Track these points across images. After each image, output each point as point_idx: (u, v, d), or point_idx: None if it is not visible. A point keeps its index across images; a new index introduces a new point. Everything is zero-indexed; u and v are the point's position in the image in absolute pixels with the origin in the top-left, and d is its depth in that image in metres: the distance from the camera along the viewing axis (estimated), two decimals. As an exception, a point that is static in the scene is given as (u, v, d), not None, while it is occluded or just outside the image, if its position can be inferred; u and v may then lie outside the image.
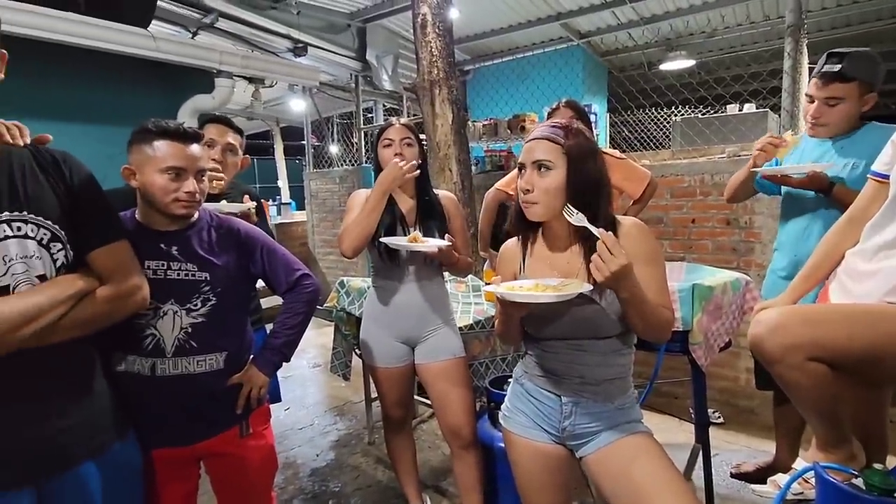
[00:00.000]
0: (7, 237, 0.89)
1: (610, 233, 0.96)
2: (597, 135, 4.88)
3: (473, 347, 2.02)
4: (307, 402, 3.18)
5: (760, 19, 5.19)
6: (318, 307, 1.87)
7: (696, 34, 5.62)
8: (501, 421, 1.30)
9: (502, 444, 1.71)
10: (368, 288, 2.16)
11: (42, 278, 0.93)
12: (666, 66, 5.73)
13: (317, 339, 4.35)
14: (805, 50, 2.62)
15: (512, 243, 1.25)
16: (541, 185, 1.07)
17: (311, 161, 6.68)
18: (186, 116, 2.77)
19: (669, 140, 5.38)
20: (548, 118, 2.13)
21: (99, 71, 2.54)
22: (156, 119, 1.18)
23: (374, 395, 2.65)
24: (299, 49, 5.32)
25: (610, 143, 6.43)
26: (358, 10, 5.51)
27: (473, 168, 4.46)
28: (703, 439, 1.83)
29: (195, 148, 1.20)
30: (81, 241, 0.99)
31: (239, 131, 1.80)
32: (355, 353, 2.46)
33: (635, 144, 6.20)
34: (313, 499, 2.14)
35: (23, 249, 0.91)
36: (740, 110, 3.85)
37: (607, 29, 5.72)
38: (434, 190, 1.74)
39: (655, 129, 6.18)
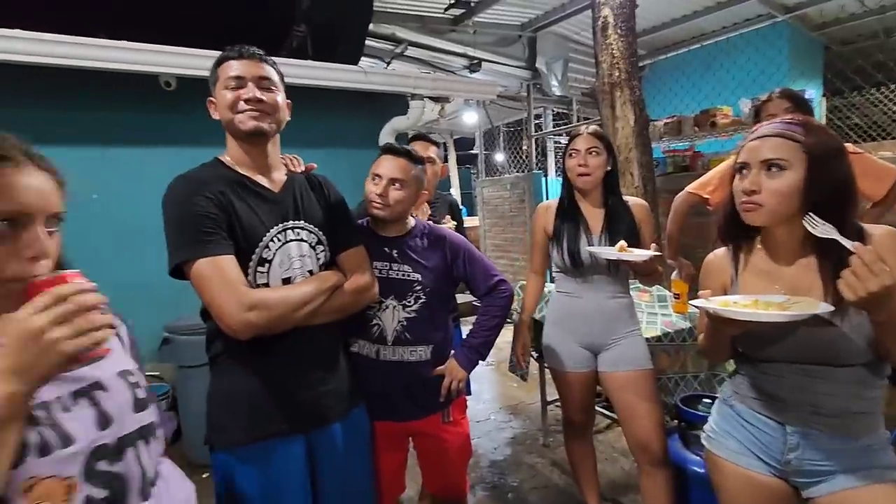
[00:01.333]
0: (291, 240, 1.17)
1: (869, 246, 0.82)
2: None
3: (661, 361, 1.92)
4: (483, 397, 3.36)
5: None
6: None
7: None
8: (705, 442, 1.21)
9: (696, 468, 1.62)
10: (550, 293, 2.22)
11: (310, 273, 1.20)
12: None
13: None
14: None
15: (720, 254, 1.16)
16: (771, 186, 0.96)
17: (481, 169, 7.01)
18: (386, 136, 3.19)
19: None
20: (755, 113, 1.91)
21: (317, 103, 3.08)
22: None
23: (549, 398, 2.70)
24: (474, 65, 5.65)
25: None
26: (529, 20, 5.63)
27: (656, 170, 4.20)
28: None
29: (393, 160, 1.40)
30: (334, 245, 1.25)
31: (437, 144, 2.04)
32: (532, 356, 2.53)
33: (866, 133, 5.09)
34: (493, 489, 2.27)
35: (300, 250, 1.18)
36: None
37: (818, -2, 4.83)
38: (624, 197, 1.72)
39: (894, 113, 5.01)
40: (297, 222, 1.19)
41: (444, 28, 5.32)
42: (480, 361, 1.51)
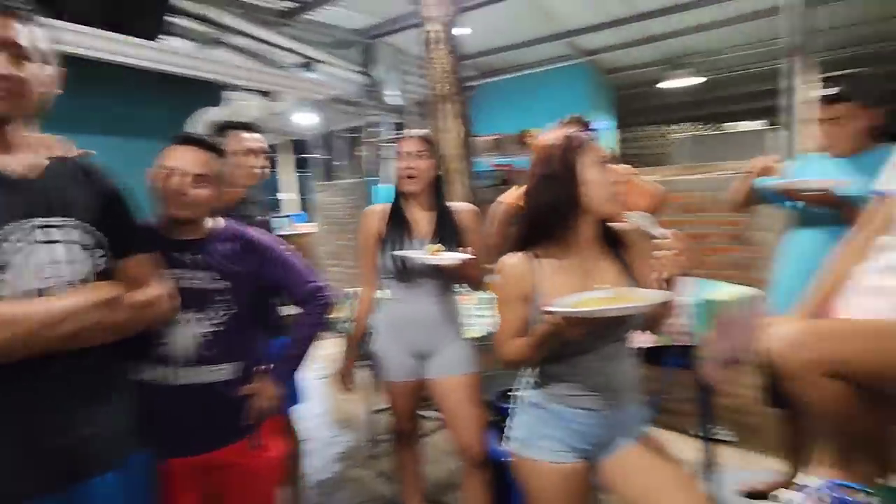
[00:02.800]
0: (43, 241, 0.90)
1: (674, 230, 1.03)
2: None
3: (484, 360, 2.01)
4: (313, 412, 3.16)
5: (761, 39, 5.25)
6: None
7: (701, 53, 5.69)
8: (513, 450, 1.23)
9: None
10: (379, 300, 2.17)
11: (74, 283, 0.94)
12: (671, 84, 5.79)
13: (323, 350, 4.33)
14: (806, 70, 2.65)
15: (516, 261, 1.17)
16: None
17: (319, 174, 6.74)
18: (197, 127, 2.81)
19: (672, 157, 5.41)
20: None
21: (110, 83, 2.59)
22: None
23: (374, 407, 2.65)
24: (307, 64, 5.41)
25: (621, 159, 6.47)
26: (366, 26, 5.61)
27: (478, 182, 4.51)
28: (709, 456, 1.81)
29: (192, 153, 1.22)
30: (113, 249, 1.01)
31: (255, 130, 1.82)
32: (362, 365, 2.46)
33: (643, 161, 6.23)
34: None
35: (54, 254, 0.91)
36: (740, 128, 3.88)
37: (612, 47, 5.80)
38: (451, 203, 1.76)
39: (663, 146, 6.23)
40: (54, 219, 0.91)
41: (275, 20, 4.98)
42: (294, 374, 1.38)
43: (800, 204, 1.65)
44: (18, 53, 0.87)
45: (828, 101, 1.53)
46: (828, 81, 1.59)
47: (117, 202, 1.04)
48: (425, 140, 1.67)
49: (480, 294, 2.43)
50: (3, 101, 0.86)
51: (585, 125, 2.08)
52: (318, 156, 7.15)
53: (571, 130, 1.18)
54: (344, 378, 1.84)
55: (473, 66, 6.60)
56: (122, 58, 2.52)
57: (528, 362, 1.20)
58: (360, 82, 5.90)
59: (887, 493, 0.88)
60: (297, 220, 7.78)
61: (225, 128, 1.81)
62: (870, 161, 1.54)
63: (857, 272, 1.24)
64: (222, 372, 1.23)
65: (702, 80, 5.72)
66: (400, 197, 1.70)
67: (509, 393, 1.85)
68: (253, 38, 4.98)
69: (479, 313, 2.31)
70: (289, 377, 1.35)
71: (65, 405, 0.93)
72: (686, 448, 2.42)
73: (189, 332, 1.19)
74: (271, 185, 8.71)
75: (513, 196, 2.30)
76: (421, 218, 1.69)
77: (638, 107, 4.69)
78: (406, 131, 1.73)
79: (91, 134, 2.41)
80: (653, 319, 1.18)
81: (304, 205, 7.97)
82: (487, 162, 4.53)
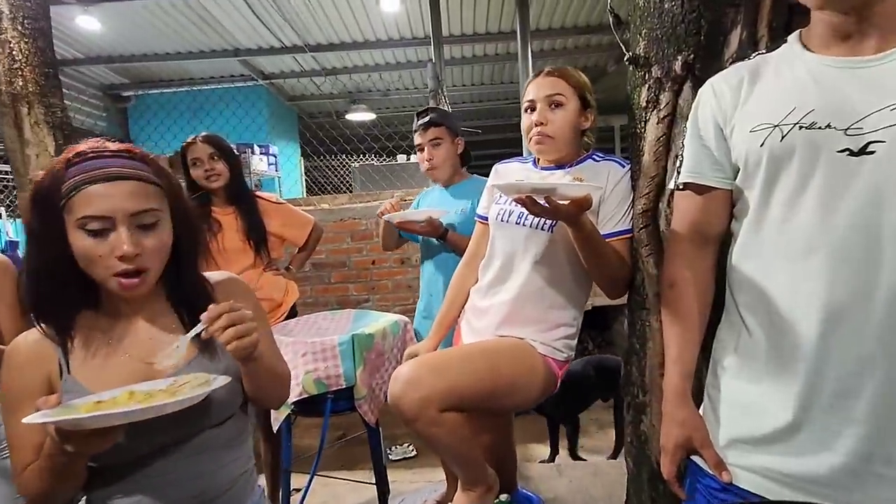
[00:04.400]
0: None
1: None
2: (279, 176, 4.68)
3: None
4: None
5: (421, 84, 6.07)
6: None
7: (374, 91, 6.18)
8: None
9: None
10: None
11: None
12: (351, 117, 6.06)
13: None
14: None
15: (28, 340, 0.76)
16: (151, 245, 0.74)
17: None
18: None
19: (353, 186, 5.65)
20: (182, 154, 1.75)
21: None
22: None
23: None
24: None
25: (306, 187, 6.36)
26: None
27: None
28: (381, 488, 1.72)
29: None
30: None
31: None
32: None
33: (328, 189, 6.30)
34: None
35: None
36: (408, 160, 4.29)
37: (291, 74, 5.70)
38: None
39: (346, 175, 6.48)
40: None
41: None
42: None
43: (418, 236, 1.71)
44: None
45: (425, 126, 1.64)
46: (420, 114, 1.72)
47: None
48: None
49: None
50: None
51: (222, 147, 1.75)
52: None
53: (63, 161, 0.76)
54: None
55: (125, 72, 5.46)
56: None
57: (52, 500, 0.75)
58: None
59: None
60: None
61: None
62: (467, 188, 1.72)
63: (472, 293, 1.32)
64: None
65: (373, 116, 6.17)
66: None
67: None
68: None
69: None
70: None
71: None
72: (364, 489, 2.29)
73: None
74: None
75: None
76: None
77: (323, 136, 4.68)
78: None
79: None
80: (262, 398, 0.86)
81: None
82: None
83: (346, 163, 6.08)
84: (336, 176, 6.15)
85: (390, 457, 2.57)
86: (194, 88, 5.58)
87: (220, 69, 5.44)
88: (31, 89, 2.07)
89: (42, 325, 0.76)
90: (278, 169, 4.60)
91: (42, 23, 2.17)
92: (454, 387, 1.05)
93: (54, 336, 0.76)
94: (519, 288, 1.16)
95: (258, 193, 1.90)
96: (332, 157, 6.05)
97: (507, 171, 1.29)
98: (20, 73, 2.05)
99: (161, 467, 0.77)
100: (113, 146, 0.77)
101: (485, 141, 8.10)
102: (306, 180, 6.36)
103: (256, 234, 1.72)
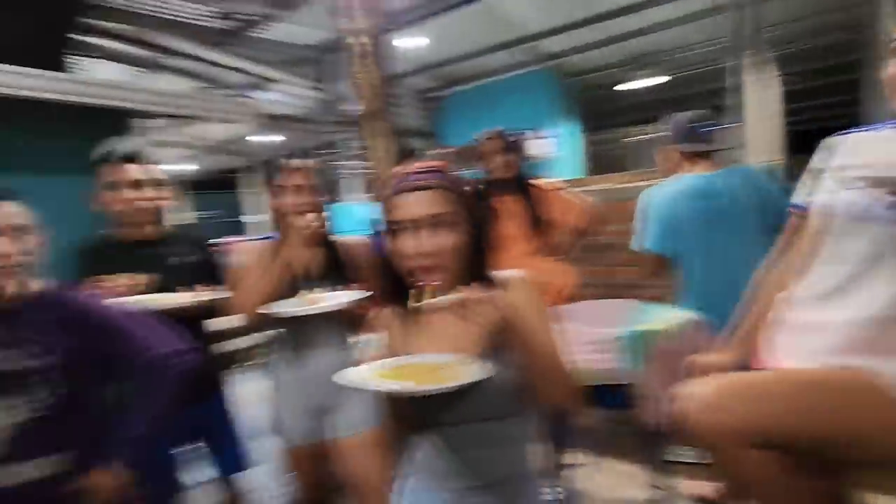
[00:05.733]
0: None
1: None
2: (557, 156, 4.73)
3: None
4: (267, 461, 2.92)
5: (720, 36, 5.14)
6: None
7: (662, 52, 5.57)
8: None
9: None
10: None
11: None
12: (636, 85, 5.66)
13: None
14: (757, 65, 2.51)
15: (384, 313, 1.03)
16: (441, 245, 0.87)
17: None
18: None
19: (630, 160, 5.26)
20: (478, 150, 1.97)
21: (13, 118, 2.39)
22: None
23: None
24: (258, 83, 5.25)
25: (590, 165, 6.31)
26: (320, 41, 5.45)
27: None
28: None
29: (4, 206, 1.03)
30: None
31: (145, 163, 1.60)
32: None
33: (611, 166, 6.07)
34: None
35: None
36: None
37: (572, 50, 5.67)
38: (338, 236, 1.57)
39: (624, 149, 6.10)
40: None
41: (220, 40, 4.81)
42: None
43: None
44: None
45: None
46: None
47: None
48: (305, 169, 1.48)
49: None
50: None
51: (510, 140, 1.90)
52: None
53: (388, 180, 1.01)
54: None
55: (438, 76, 6.46)
56: (22, 91, 2.32)
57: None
58: (316, 98, 5.74)
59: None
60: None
61: (103, 160, 1.59)
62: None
63: (781, 301, 1.07)
64: (47, 466, 1.03)
65: (663, 79, 5.58)
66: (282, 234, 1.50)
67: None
68: (197, 59, 4.81)
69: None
70: (134, 461, 1.14)
71: None
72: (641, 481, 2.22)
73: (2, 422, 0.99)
74: (234, 208, 8.52)
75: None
76: (304, 256, 1.49)
77: (600, 110, 4.54)
78: (283, 160, 1.52)
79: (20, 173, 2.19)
80: (537, 393, 0.92)
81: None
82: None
83: (624, 135, 5.74)
84: (619, 150, 5.87)
85: (672, 457, 2.39)
86: (488, 81, 6.15)
87: (508, 60, 5.83)
88: (378, 107, 2.66)
89: (387, 304, 1.01)
90: (560, 150, 4.68)
91: (388, 51, 2.75)
92: (774, 425, 0.86)
93: (394, 314, 1.00)
94: (882, 305, 0.87)
95: (535, 180, 1.98)
96: (615, 130, 5.80)
97: (861, 145, 0.97)
98: (375, 95, 2.65)
99: (440, 444, 0.93)
100: (417, 167, 0.93)
101: (812, 89, 6.30)
102: (589, 158, 6.28)
103: (534, 221, 1.81)
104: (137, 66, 4.79)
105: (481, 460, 0.92)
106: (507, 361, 0.89)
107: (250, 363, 2.28)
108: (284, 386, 1.49)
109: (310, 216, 1.41)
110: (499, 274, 0.94)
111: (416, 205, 0.86)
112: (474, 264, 0.89)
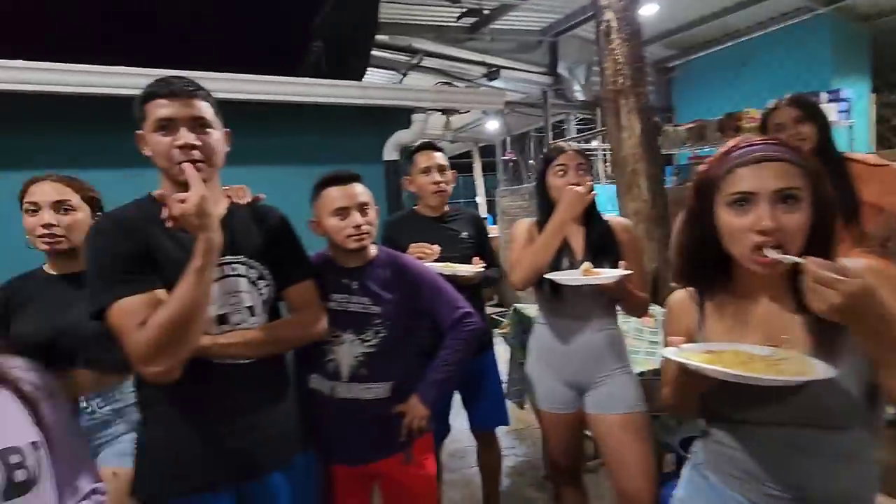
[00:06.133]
0: (228, 276, 1.11)
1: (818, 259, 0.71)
2: (850, 125, 3.81)
3: (657, 399, 1.75)
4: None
5: None
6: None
7: None
8: None
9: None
10: (534, 323, 2.09)
11: (250, 309, 1.13)
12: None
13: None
14: None
15: (683, 295, 1.01)
16: (790, 222, 0.79)
17: (504, 178, 6.86)
18: (391, 150, 3.14)
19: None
20: (762, 123, 1.72)
21: (320, 120, 3.06)
22: (324, 174, 1.36)
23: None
24: (493, 73, 5.56)
25: (878, 138, 4.96)
26: (550, 24, 5.49)
27: (674, 179, 3.97)
28: None
29: (355, 187, 1.33)
30: (280, 280, 1.19)
31: (440, 150, 1.92)
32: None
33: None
34: (486, 526, 2.14)
35: (237, 285, 1.12)
36: None
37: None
38: (605, 216, 1.58)
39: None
40: (233, 257, 1.12)
41: (462, 37, 5.25)
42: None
43: None
44: (203, 125, 1.07)
45: None
46: None
47: (284, 239, 1.23)
48: (581, 154, 1.53)
49: (638, 322, 2.13)
50: (204, 165, 1.06)
51: (810, 107, 1.62)
52: (499, 160, 7.30)
53: (722, 153, 0.89)
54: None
55: (672, 44, 5.87)
56: (332, 99, 2.96)
57: (679, 409, 1.00)
58: (543, 83, 5.82)
59: None
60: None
61: (419, 148, 1.93)
62: None
63: None
64: (376, 390, 1.32)
65: None
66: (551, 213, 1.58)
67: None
68: (444, 57, 5.36)
69: (657, 339, 2.02)
70: (437, 399, 1.38)
71: (240, 411, 1.10)
72: None
73: (349, 351, 1.32)
74: (470, 190, 9.25)
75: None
76: (573, 234, 1.55)
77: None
78: (559, 144, 1.59)
79: (312, 164, 2.88)
80: None
81: (491, 208, 8.25)
82: (688, 154, 3.96)
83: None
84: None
85: None
86: (738, 41, 5.32)
87: (771, 10, 4.92)
88: (627, 84, 2.56)
89: (688, 286, 0.98)
90: (850, 115, 3.77)
91: (636, 25, 2.62)
92: None
93: (695, 297, 0.97)
94: None
95: (850, 155, 1.64)
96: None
97: None
98: (621, 72, 2.55)
99: (761, 437, 0.86)
100: (759, 138, 0.87)
101: None
102: (882, 121, 4.93)
103: (848, 204, 1.51)
104: (390, 69, 5.58)
105: (792, 470, 0.83)
106: (848, 360, 0.78)
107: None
108: (547, 354, 1.59)
109: (586, 194, 1.46)
110: (845, 262, 0.83)
111: (763, 177, 0.79)
112: (817, 248, 0.79)
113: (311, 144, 3.04)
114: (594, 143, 5.84)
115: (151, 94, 1.04)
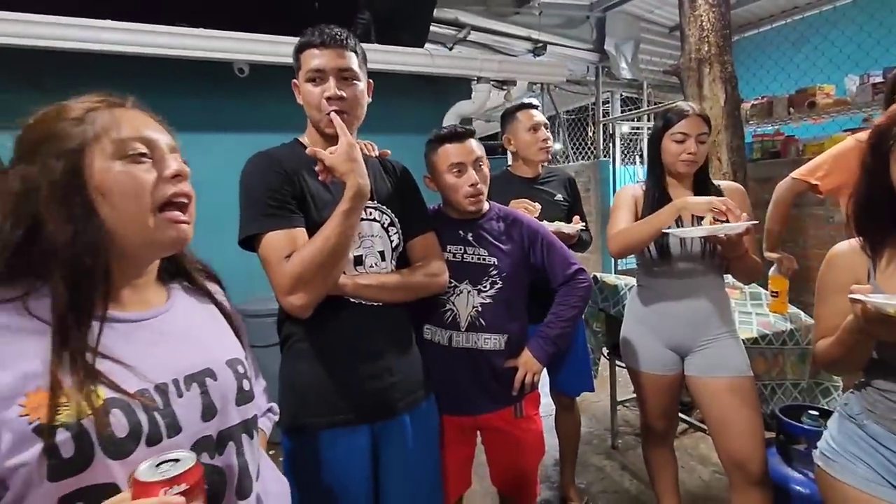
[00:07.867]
0: (363, 219, 1.12)
1: None
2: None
3: (756, 365, 1.72)
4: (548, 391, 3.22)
5: None
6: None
7: None
8: (821, 463, 1.06)
9: (800, 488, 1.44)
10: (628, 287, 2.06)
11: (381, 253, 1.15)
12: None
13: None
14: None
15: (849, 247, 1.00)
16: None
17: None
18: (451, 120, 3.11)
19: None
20: (891, 87, 1.63)
21: (382, 88, 3.03)
22: (436, 130, 1.37)
23: (619, 397, 2.54)
24: (538, 49, 5.44)
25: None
26: (594, 1, 5.34)
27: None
28: None
29: (470, 143, 1.32)
30: (405, 231, 1.21)
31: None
32: (603, 353, 2.39)
33: None
34: (558, 489, 2.15)
35: (371, 229, 1.15)
36: None
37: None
38: (717, 182, 1.54)
39: None
40: (369, 202, 1.13)
41: (508, 11, 5.15)
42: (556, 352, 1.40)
43: None
44: (351, 77, 1.10)
45: None
46: None
47: (409, 193, 1.25)
48: (705, 120, 1.48)
49: (751, 289, 2.09)
50: (347, 116, 1.08)
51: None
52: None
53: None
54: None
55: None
56: (399, 66, 2.92)
57: (844, 364, 0.99)
58: (590, 60, 5.70)
59: None
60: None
61: (516, 108, 1.92)
62: None
63: None
64: (491, 341, 1.33)
65: None
66: (663, 180, 1.54)
67: (798, 408, 1.57)
68: (491, 31, 5.26)
69: (748, 310, 1.98)
70: (551, 355, 1.37)
71: (376, 356, 1.13)
72: None
73: (466, 301, 1.32)
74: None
75: (808, 171, 1.88)
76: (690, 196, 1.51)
77: None
78: (675, 106, 1.53)
79: (374, 133, 2.88)
80: None
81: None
82: (751, 132, 3.84)
83: None
84: None
85: None
86: (805, 15, 5.11)
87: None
88: (713, 52, 2.47)
89: (860, 238, 0.97)
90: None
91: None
92: None
93: (867, 249, 0.95)
94: None
95: None
96: None
97: None
98: (707, 39, 2.47)
99: None
100: None
101: None
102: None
103: None
104: (436, 42, 5.50)
105: None
106: None
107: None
108: (650, 316, 1.57)
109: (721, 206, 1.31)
110: None
111: None
112: None
113: (370, 114, 3.03)
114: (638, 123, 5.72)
115: (305, 43, 1.09)
